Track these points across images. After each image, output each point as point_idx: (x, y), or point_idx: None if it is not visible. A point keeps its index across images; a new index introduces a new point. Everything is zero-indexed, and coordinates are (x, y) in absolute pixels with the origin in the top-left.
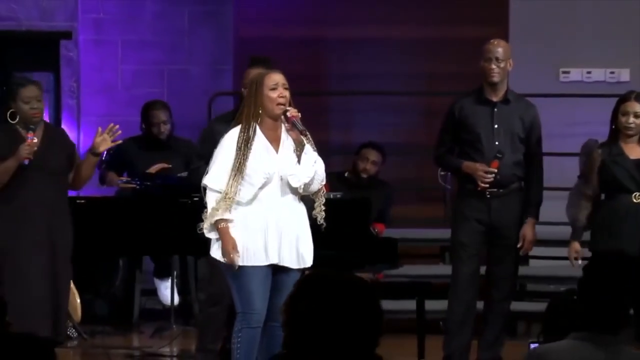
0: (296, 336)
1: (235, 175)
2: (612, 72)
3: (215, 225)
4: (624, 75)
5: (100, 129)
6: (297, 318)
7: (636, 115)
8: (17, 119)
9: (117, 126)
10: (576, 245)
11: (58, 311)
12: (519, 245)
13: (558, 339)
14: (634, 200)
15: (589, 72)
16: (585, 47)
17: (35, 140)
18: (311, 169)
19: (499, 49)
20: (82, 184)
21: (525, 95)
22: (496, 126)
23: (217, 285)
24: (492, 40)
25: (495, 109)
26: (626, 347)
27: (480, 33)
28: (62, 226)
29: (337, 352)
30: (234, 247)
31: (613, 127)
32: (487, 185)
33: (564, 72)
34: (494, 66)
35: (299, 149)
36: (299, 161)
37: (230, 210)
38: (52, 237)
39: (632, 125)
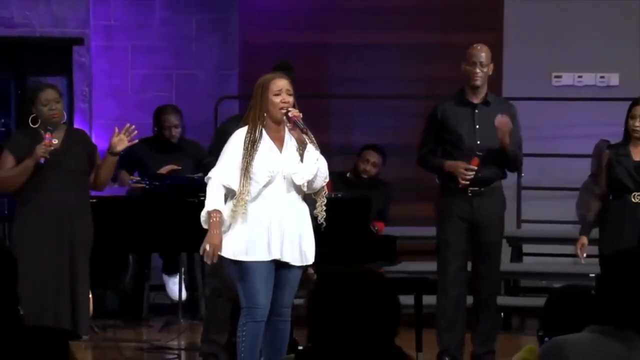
0: (320, 330)
1: (245, 175)
2: (602, 77)
3: (208, 215)
4: (614, 79)
5: (117, 129)
6: (319, 313)
7: None
8: (39, 123)
9: (133, 126)
10: (583, 239)
11: (77, 307)
12: (496, 124)
13: (558, 334)
14: (633, 200)
15: (580, 77)
16: (577, 52)
17: (55, 141)
18: (314, 166)
19: (483, 53)
20: (103, 184)
21: (519, 98)
22: (477, 127)
23: (221, 279)
24: (475, 45)
25: (476, 111)
26: None
27: (477, 39)
28: (81, 226)
29: (359, 344)
30: (219, 243)
31: (625, 130)
32: (468, 183)
33: (556, 77)
34: (477, 70)
35: (302, 147)
36: (301, 160)
37: (245, 209)
38: (71, 236)
39: (638, 129)
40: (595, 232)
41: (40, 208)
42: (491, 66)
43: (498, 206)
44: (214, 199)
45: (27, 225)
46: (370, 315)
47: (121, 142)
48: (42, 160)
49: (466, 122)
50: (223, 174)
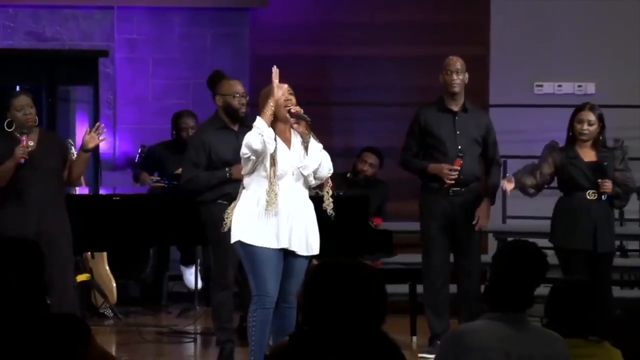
0: (313, 316)
1: (273, 171)
2: (579, 86)
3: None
4: (590, 88)
5: (88, 129)
6: (313, 300)
7: (590, 124)
8: (14, 127)
9: (103, 125)
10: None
11: (62, 294)
12: (474, 222)
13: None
14: (588, 197)
15: (559, 86)
16: (556, 64)
17: (32, 142)
18: (318, 154)
19: (458, 63)
20: (76, 179)
21: (504, 105)
22: (458, 132)
23: (223, 274)
24: (450, 57)
25: (456, 117)
26: (532, 323)
27: (466, 52)
28: (58, 218)
29: (349, 329)
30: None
31: (570, 134)
32: (453, 182)
33: (538, 86)
34: (454, 77)
35: (306, 140)
36: (306, 152)
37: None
38: (49, 228)
39: (586, 132)
40: (546, 227)
41: (20, 203)
42: (466, 75)
43: (476, 204)
44: None
45: (9, 218)
46: (359, 304)
47: (92, 140)
48: (22, 161)
49: (447, 128)
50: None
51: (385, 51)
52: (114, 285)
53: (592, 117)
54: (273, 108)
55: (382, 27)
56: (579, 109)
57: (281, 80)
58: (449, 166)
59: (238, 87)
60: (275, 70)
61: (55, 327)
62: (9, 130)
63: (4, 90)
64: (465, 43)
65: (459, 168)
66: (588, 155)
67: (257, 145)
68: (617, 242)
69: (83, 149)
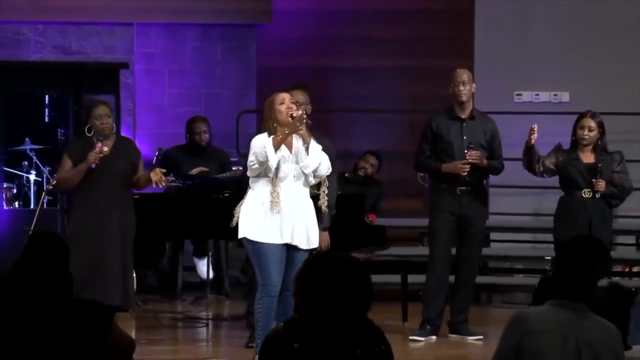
0: (305, 303)
1: (277, 175)
2: (555, 95)
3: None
4: (565, 97)
5: (158, 171)
6: (305, 289)
7: (590, 130)
8: (92, 133)
9: (173, 179)
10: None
11: (126, 284)
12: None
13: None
14: (584, 196)
15: (537, 95)
16: (534, 74)
17: (106, 148)
18: (319, 154)
19: (465, 75)
20: (140, 188)
21: (486, 112)
22: (465, 137)
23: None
24: (458, 70)
25: (464, 124)
26: (590, 312)
27: (453, 63)
28: (126, 217)
29: (337, 316)
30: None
31: (573, 138)
32: (466, 173)
33: (518, 94)
34: (462, 88)
35: (306, 142)
36: (307, 152)
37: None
38: (119, 226)
39: (587, 137)
40: (550, 222)
41: (91, 203)
42: (473, 85)
43: (482, 202)
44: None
45: (81, 216)
46: (347, 292)
47: (159, 181)
48: (93, 166)
49: (456, 134)
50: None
51: (380, 62)
52: (134, 275)
53: (592, 123)
54: (286, 137)
55: (378, 41)
56: (581, 115)
57: (284, 90)
58: (461, 162)
59: (299, 97)
60: (298, 113)
61: (82, 312)
62: (89, 135)
63: (34, 99)
64: (452, 55)
65: (470, 158)
66: (588, 157)
67: (262, 159)
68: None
69: (149, 178)
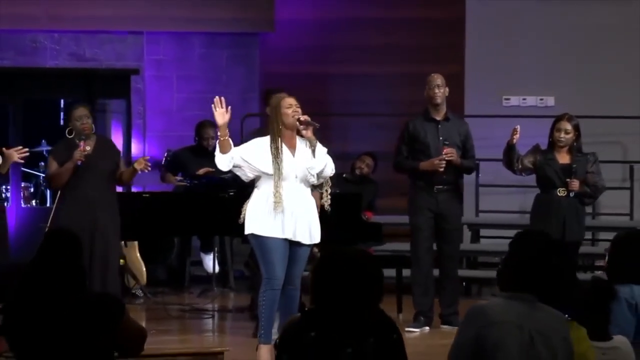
0: (321, 295)
1: (278, 175)
2: (541, 99)
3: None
4: (550, 101)
5: (143, 158)
6: (322, 282)
7: (566, 132)
8: (74, 134)
9: (149, 157)
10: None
11: (105, 277)
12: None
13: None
14: (559, 194)
15: (524, 99)
16: (522, 80)
17: (88, 147)
18: (324, 156)
19: (439, 79)
20: (124, 183)
21: (477, 116)
22: (441, 138)
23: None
24: (432, 74)
25: (440, 126)
26: (540, 303)
27: (445, 70)
28: (109, 213)
29: (351, 307)
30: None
31: (550, 139)
32: (442, 169)
33: (506, 99)
34: (437, 90)
35: (313, 145)
36: (313, 154)
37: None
38: (101, 220)
39: (563, 139)
40: (526, 219)
41: (78, 199)
42: (447, 89)
43: (457, 200)
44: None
45: (67, 212)
46: (360, 285)
47: (144, 168)
48: (79, 163)
49: (432, 135)
50: (244, 152)
51: (376, 69)
52: (144, 269)
53: (568, 126)
54: (226, 136)
55: (374, 49)
56: (558, 118)
57: (286, 94)
58: (437, 158)
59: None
60: (217, 99)
61: (95, 303)
62: (70, 137)
63: (50, 103)
64: (444, 62)
65: (447, 154)
66: (563, 158)
67: (225, 167)
68: (590, 233)
69: (135, 167)
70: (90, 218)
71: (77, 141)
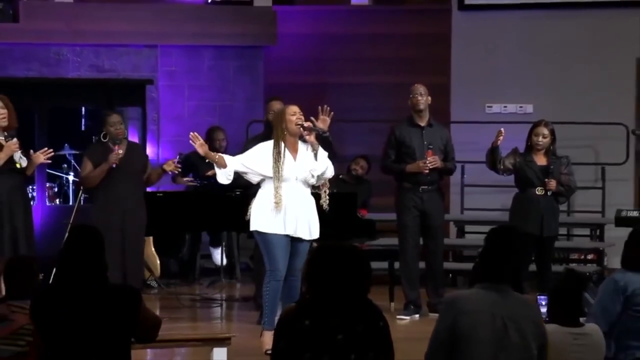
0: (314, 286)
1: (278, 178)
2: (521, 106)
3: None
4: (529, 108)
5: (172, 161)
6: (314, 274)
7: (544, 136)
8: (108, 138)
9: (177, 159)
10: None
11: (129, 269)
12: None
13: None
14: (537, 193)
15: (505, 106)
16: (503, 89)
17: (121, 151)
18: (326, 160)
19: (421, 88)
20: (151, 184)
21: (462, 122)
22: (425, 142)
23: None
24: (415, 84)
25: (424, 131)
26: (512, 291)
27: (432, 80)
28: (137, 210)
29: (342, 297)
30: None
31: (528, 143)
32: (427, 171)
33: (488, 106)
34: (420, 98)
35: (315, 148)
36: (315, 157)
37: (280, 199)
38: (130, 219)
39: (541, 143)
40: (507, 216)
41: (110, 199)
42: (429, 97)
43: (441, 199)
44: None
45: (102, 211)
46: (350, 276)
47: (172, 169)
48: (113, 165)
49: (417, 140)
50: (246, 159)
51: (371, 79)
52: (158, 262)
53: (545, 131)
54: (215, 157)
55: (369, 61)
56: (536, 124)
57: (289, 103)
58: (422, 161)
59: (277, 106)
60: (192, 135)
61: (115, 294)
62: (104, 141)
63: (72, 111)
64: (432, 73)
65: (431, 158)
66: (541, 160)
67: (225, 181)
68: (565, 229)
69: (164, 169)
70: (121, 215)
71: (111, 145)
